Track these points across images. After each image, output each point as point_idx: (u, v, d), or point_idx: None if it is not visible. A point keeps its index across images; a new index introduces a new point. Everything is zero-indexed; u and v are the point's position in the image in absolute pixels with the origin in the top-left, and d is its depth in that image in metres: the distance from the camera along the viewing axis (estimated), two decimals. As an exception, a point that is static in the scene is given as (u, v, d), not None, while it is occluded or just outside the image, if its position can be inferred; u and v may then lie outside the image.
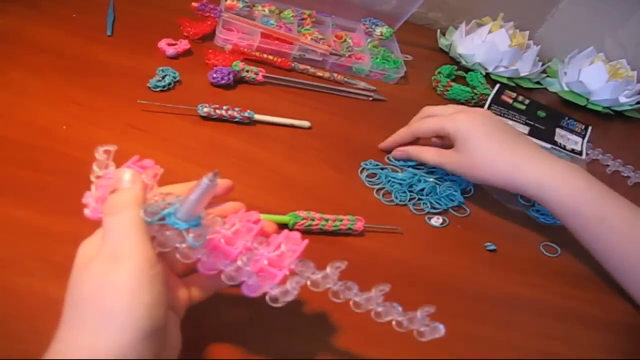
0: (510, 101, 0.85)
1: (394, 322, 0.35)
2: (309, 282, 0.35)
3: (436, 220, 0.61)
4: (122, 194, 0.33)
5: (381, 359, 0.45)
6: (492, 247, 0.60)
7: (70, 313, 0.31)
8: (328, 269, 0.35)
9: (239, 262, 0.35)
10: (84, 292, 0.31)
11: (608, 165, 0.82)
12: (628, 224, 0.55)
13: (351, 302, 0.35)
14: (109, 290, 0.30)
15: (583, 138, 0.84)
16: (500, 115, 0.82)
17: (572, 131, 0.84)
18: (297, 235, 0.38)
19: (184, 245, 0.34)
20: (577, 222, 0.57)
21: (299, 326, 0.45)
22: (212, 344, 0.42)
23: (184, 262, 0.34)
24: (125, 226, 0.32)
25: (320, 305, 0.46)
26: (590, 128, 0.85)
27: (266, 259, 0.35)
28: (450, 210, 0.63)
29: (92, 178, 0.35)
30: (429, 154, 0.63)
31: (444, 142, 0.65)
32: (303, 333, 0.45)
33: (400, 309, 0.35)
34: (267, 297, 0.34)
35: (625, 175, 0.81)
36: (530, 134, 0.81)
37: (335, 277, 0.35)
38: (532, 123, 0.83)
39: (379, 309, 0.35)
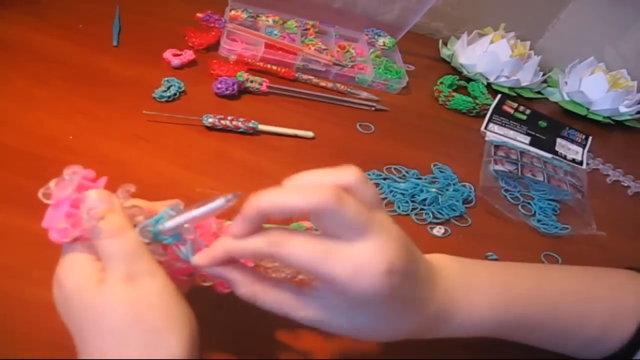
0: (512, 111, 0.86)
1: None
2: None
3: (438, 230, 0.62)
4: (115, 216, 0.32)
5: None
6: (494, 257, 0.61)
7: (96, 339, 0.30)
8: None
9: None
10: (114, 316, 0.30)
11: (608, 175, 0.82)
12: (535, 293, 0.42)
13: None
14: (145, 311, 0.30)
15: (583, 148, 0.85)
16: (501, 126, 0.83)
17: (572, 141, 0.85)
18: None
19: (163, 258, 0.34)
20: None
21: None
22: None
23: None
24: (132, 247, 0.32)
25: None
26: (590, 138, 0.86)
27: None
28: (452, 220, 0.64)
29: (41, 196, 0.33)
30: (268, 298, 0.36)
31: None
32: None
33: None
34: None
35: (626, 185, 0.81)
36: (532, 144, 0.81)
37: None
38: (533, 133, 0.84)
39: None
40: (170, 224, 0.34)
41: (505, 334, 0.42)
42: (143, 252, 0.32)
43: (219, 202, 0.32)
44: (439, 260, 0.39)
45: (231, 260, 0.34)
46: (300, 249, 0.30)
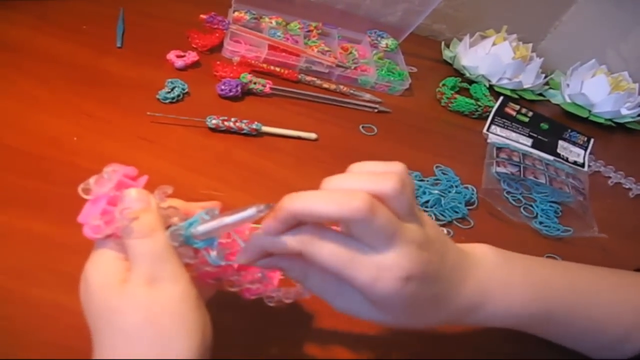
0: (514, 113, 0.86)
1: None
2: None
3: (441, 232, 0.62)
4: (149, 217, 0.33)
5: None
6: (496, 259, 0.61)
7: (112, 339, 0.31)
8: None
9: (259, 274, 0.36)
10: (130, 318, 0.30)
11: (610, 177, 0.82)
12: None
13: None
14: (160, 315, 0.30)
15: (585, 150, 0.85)
16: (503, 128, 0.83)
17: (574, 143, 0.85)
18: None
19: (192, 261, 0.34)
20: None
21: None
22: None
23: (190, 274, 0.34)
24: (160, 249, 0.32)
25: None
26: (592, 140, 0.86)
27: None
28: (455, 222, 0.64)
29: (81, 191, 0.33)
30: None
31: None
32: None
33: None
34: (265, 299, 0.36)
35: (627, 187, 0.82)
36: (533, 146, 0.81)
37: None
38: (535, 135, 0.84)
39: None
40: (202, 228, 0.34)
41: (532, 328, 0.42)
42: (170, 256, 0.32)
43: (250, 212, 0.32)
44: (478, 250, 0.40)
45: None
46: (328, 251, 0.32)
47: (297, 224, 0.32)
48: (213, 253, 0.34)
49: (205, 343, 0.31)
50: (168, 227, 0.34)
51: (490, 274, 0.39)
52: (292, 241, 0.32)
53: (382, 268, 0.31)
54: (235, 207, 0.39)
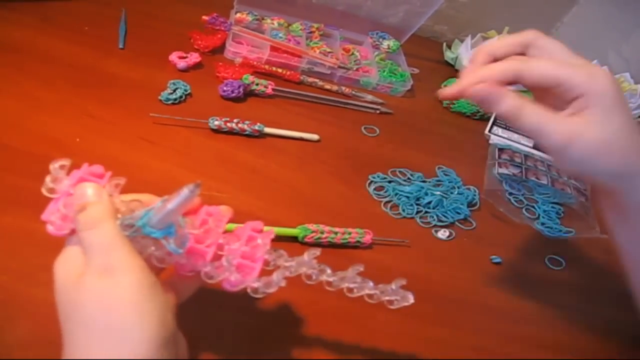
0: (516, 113, 0.86)
1: (365, 296, 0.38)
2: (288, 273, 0.37)
3: (443, 233, 0.62)
4: (95, 208, 0.32)
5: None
6: (498, 260, 0.61)
7: (74, 334, 0.31)
8: (305, 256, 0.37)
9: (224, 262, 0.35)
10: (86, 311, 0.30)
11: (612, 179, 0.82)
12: None
13: (324, 281, 0.37)
14: (115, 305, 0.30)
15: (587, 151, 0.85)
16: (505, 129, 0.83)
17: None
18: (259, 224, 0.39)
19: (157, 252, 0.34)
20: None
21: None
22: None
23: (160, 266, 0.34)
24: (109, 239, 0.31)
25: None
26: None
27: (240, 253, 0.36)
28: (457, 223, 0.64)
29: (45, 192, 0.34)
30: (530, 111, 0.40)
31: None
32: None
33: (372, 284, 0.38)
34: (249, 290, 0.36)
35: (630, 188, 0.81)
36: (535, 147, 0.81)
37: (312, 262, 0.37)
38: (537, 135, 0.84)
39: (352, 285, 0.37)
40: (153, 217, 0.33)
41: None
42: (121, 245, 0.31)
43: (184, 194, 0.32)
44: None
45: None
46: (543, 63, 0.40)
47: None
48: (171, 242, 0.33)
49: (166, 332, 0.31)
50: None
51: None
52: (507, 64, 0.40)
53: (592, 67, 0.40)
54: (236, 208, 0.39)
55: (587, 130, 0.39)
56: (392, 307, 0.38)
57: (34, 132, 0.55)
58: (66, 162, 0.35)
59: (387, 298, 0.38)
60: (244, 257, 0.36)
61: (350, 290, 0.37)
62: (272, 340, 0.45)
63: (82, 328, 0.30)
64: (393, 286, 0.38)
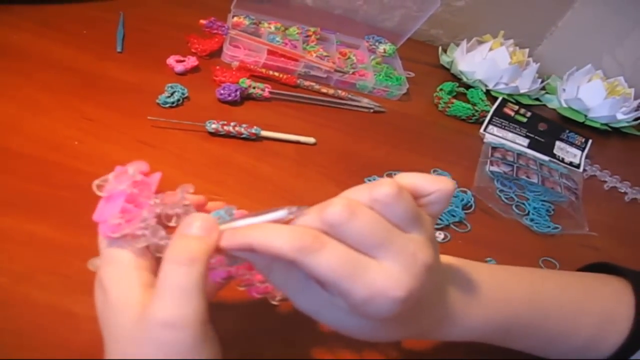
0: (512, 114, 0.87)
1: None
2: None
3: (437, 236, 0.62)
4: (197, 244, 0.29)
5: None
6: (493, 262, 0.61)
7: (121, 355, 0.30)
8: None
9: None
10: (143, 350, 0.29)
11: (605, 182, 0.83)
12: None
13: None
14: (176, 354, 0.29)
15: (582, 151, 0.86)
16: (501, 128, 0.84)
17: (571, 144, 0.86)
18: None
19: (163, 241, 0.32)
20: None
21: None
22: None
23: (157, 255, 0.32)
24: (192, 285, 0.29)
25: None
26: (590, 141, 0.87)
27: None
28: (452, 225, 0.65)
29: (96, 189, 0.32)
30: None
31: None
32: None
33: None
34: (269, 298, 0.36)
35: (623, 191, 0.82)
36: (530, 146, 0.83)
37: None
38: (532, 136, 0.85)
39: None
40: (224, 227, 0.31)
41: (496, 339, 0.42)
42: (198, 295, 0.29)
43: (281, 213, 0.30)
44: (445, 261, 0.38)
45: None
46: (325, 264, 0.28)
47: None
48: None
49: None
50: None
51: (457, 289, 0.37)
52: (288, 247, 0.28)
53: (378, 285, 0.29)
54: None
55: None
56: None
57: (32, 135, 0.56)
58: (142, 164, 0.33)
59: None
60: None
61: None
62: (266, 339, 0.45)
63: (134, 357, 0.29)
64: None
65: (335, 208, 0.29)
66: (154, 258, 0.32)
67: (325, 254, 0.28)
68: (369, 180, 0.66)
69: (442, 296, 0.36)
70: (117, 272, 0.31)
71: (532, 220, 0.69)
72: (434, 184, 0.32)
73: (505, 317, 0.40)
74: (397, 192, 0.30)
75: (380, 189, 0.30)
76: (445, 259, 0.39)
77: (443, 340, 0.38)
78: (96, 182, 0.32)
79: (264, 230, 0.29)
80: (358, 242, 0.29)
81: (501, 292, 0.40)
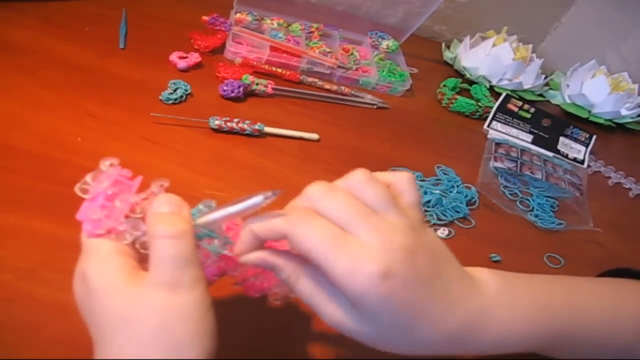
0: (516, 109, 0.87)
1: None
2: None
3: (442, 232, 0.62)
4: (178, 218, 0.31)
5: None
6: (497, 258, 0.61)
7: (125, 345, 0.29)
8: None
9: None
10: (142, 323, 0.29)
11: (610, 178, 0.83)
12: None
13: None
14: (176, 323, 0.29)
15: (587, 147, 0.86)
16: (504, 124, 0.83)
17: (575, 140, 0.86)
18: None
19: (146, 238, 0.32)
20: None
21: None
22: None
23: (143, 252, 0.33)
24: (186, 253, 0.30)
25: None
26: (594, 137, 0.87)
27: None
28: (456, 222, 0.64)
29: (78, 191, 0.33)
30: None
31: None
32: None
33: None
34: (270, 297, 0.36)
35: (627, 187, 0.82)
36: (534, 142, 0.82)
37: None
38: (536, 131, 0.84)
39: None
40: (202, 220, 0.32)
41: (540, 349, 0.40)
42: (195, 261, 0.31)
43: (256, 199, 0.31)
44: (478, 273, 0.37)
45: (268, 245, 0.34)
46: (312, 234, 0.30)
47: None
48: (215, 242, 0.33)
49: (215, 347, 0.31)
50: None
51: (494, 302, 0.36)
52: (280, 223, 0.31)
53: (357, 257, 0.30)
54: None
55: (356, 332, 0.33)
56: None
57: (35, 132, 0.56)
58: (115, 160, 0.34)
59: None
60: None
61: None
62: (266, 339, 0.45)
63: (133, 340, 0.29)
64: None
65: (316, 185, 0.33)
66: (137, 250, 0.33)
67: (313, 222, 0.31)
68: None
69: (469, 305, 0.34)
70: (98, 258, 0.31)
71: (536, 216, 0.69)
72: (393, 176, 0.36)
73: (550, 324, 0.38)
74: (367, 177, 0.33)
75: (354, 175, 0.34)
76: (480, 271, 0.38)
77: (480, 353, 0.36)
78: (78, 185, 0.33)
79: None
80: (336, 217, 0.31)
81: (543, 302, 0.39)
